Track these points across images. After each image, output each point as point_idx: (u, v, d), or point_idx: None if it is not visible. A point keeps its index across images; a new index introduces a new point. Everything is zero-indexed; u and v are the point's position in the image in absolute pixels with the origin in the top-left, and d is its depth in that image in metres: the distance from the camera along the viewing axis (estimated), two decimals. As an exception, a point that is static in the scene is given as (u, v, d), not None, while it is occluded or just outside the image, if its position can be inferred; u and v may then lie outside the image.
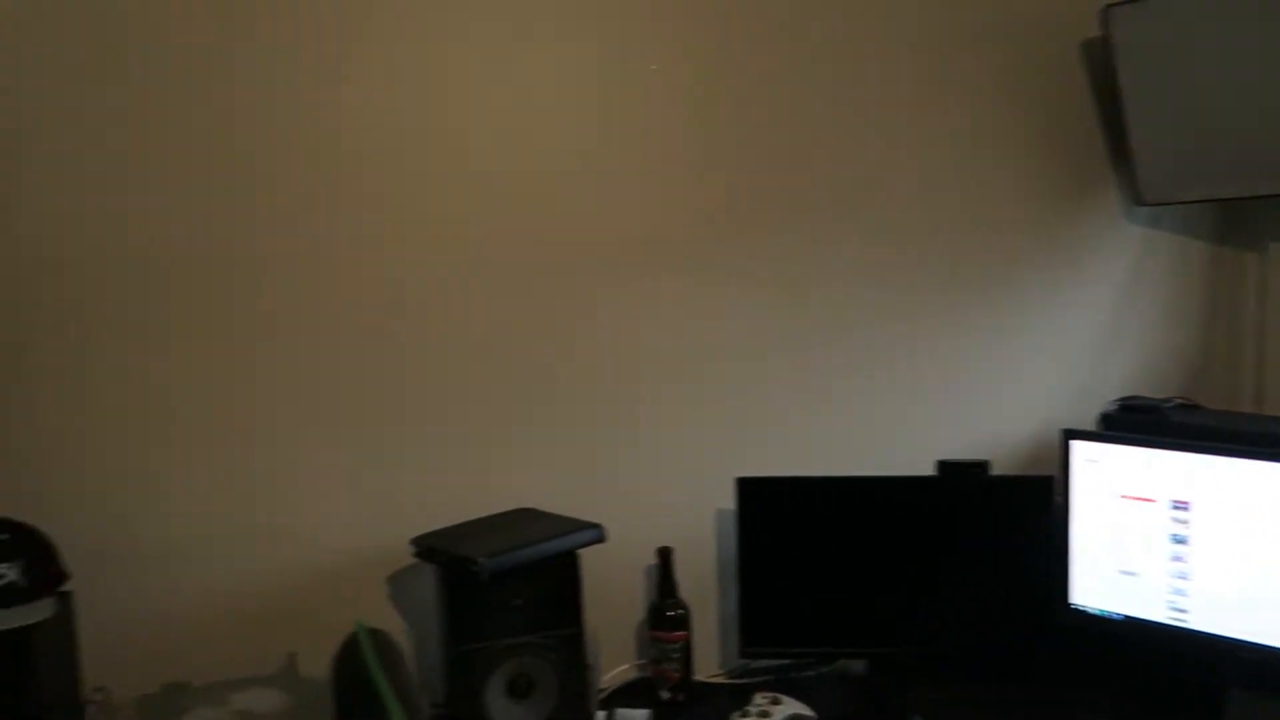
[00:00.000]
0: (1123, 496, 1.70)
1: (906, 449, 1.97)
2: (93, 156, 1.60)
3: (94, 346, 1.62)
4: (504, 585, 1.58)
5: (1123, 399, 2.06)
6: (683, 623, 1.81)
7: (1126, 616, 1.71)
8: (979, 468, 1.81)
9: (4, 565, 1.41)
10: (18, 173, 1.57)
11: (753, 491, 1.80)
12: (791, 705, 1.71)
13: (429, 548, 1.61)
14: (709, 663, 1.94)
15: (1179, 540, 1.65)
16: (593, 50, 1.78)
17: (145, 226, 1.63)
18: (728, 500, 1.91)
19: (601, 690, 1.83)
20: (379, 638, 0.83)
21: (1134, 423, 1.96)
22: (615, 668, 1.89)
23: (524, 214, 1.79)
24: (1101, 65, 2.00)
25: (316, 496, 1.74)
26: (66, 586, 1.53)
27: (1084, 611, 1.76)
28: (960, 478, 1.79)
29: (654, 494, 1.89)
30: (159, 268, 1.64)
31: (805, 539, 1.79)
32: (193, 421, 1.67)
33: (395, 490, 1.77)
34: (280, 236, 1.69)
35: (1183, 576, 1.65)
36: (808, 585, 1.80)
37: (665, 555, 1.82)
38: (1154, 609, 1.68)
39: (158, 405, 1.65)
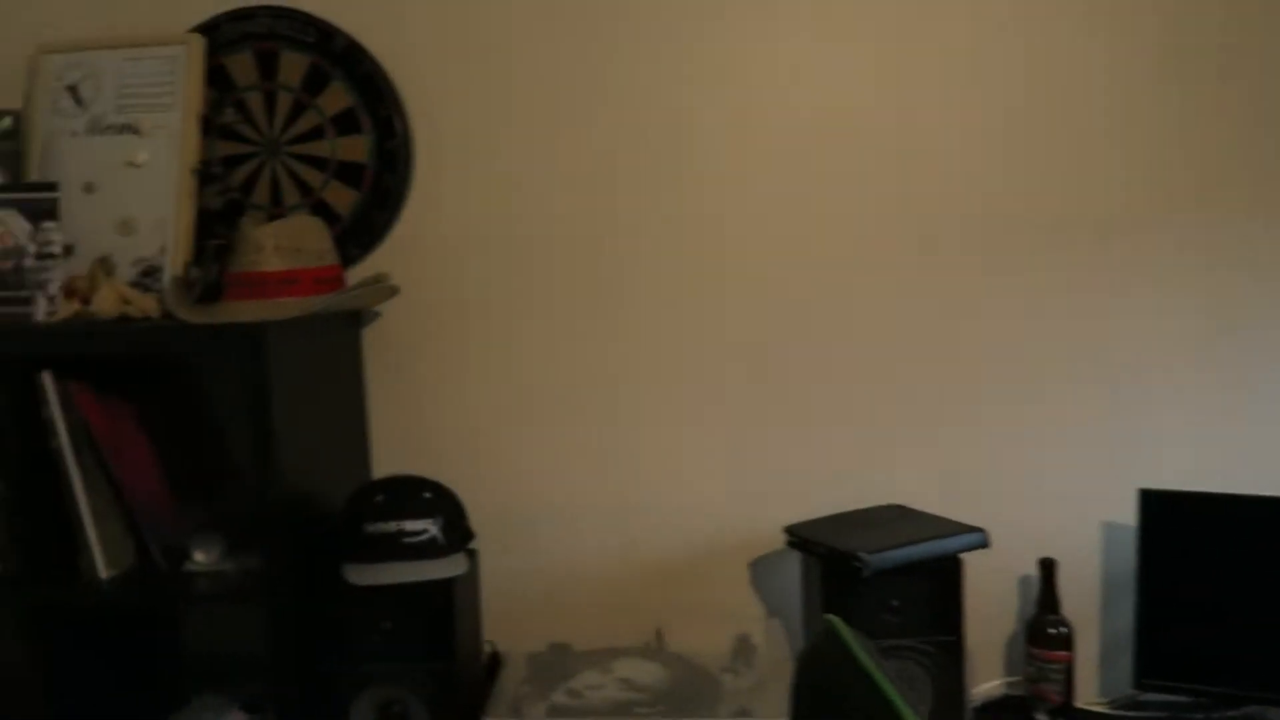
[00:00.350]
0: None
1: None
2: (504, 148, 1.72)
3: (503, 325, 1.75)
4: (883, 584, 1.53)
5: None
6: (1066, 642, 1.66)
7: None
8: None
9: (428, 521, 1.56)
10: (440, 170, 1.73)
11: (1158, 506, 1.61)
12: (1199, 750, 1.53)
13: (804, 538, 1.60)
14: (1087, 688, 1.77)
15: None
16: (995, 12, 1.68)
17: (544, 209, 1.73)
18: (1119, 513, 1.73)
19: (970, 703, 1.73)
20: (856, 634, 0.82)
21: None
22: (983, 681, 1.78)
23: (906, 202, 1.71)
24: None
25: (693, 478, 1.77)
26: (472, 545, 1.68)
27: None
28: None
29: (1033, 500, 1.75)
30: (561, 250, 1.74)
31: (1222, 564, 1.58)
32: (587, 399, 1.76)
33: (766, 476, 1.77)
34: (673, 227, 1.73)
35: None
36: (1221, 617, 1.58)
37: (1048, 568, 1.68)
38: None
39: (556, 382, 1.76)
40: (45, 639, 1.48)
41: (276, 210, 1.71)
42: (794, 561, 1.77)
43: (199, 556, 1.53)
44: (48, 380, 1.44)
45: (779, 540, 1.78)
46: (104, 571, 1.49)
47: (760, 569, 1.80)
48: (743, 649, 1.64)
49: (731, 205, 1.73)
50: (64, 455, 1.47)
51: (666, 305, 1.75)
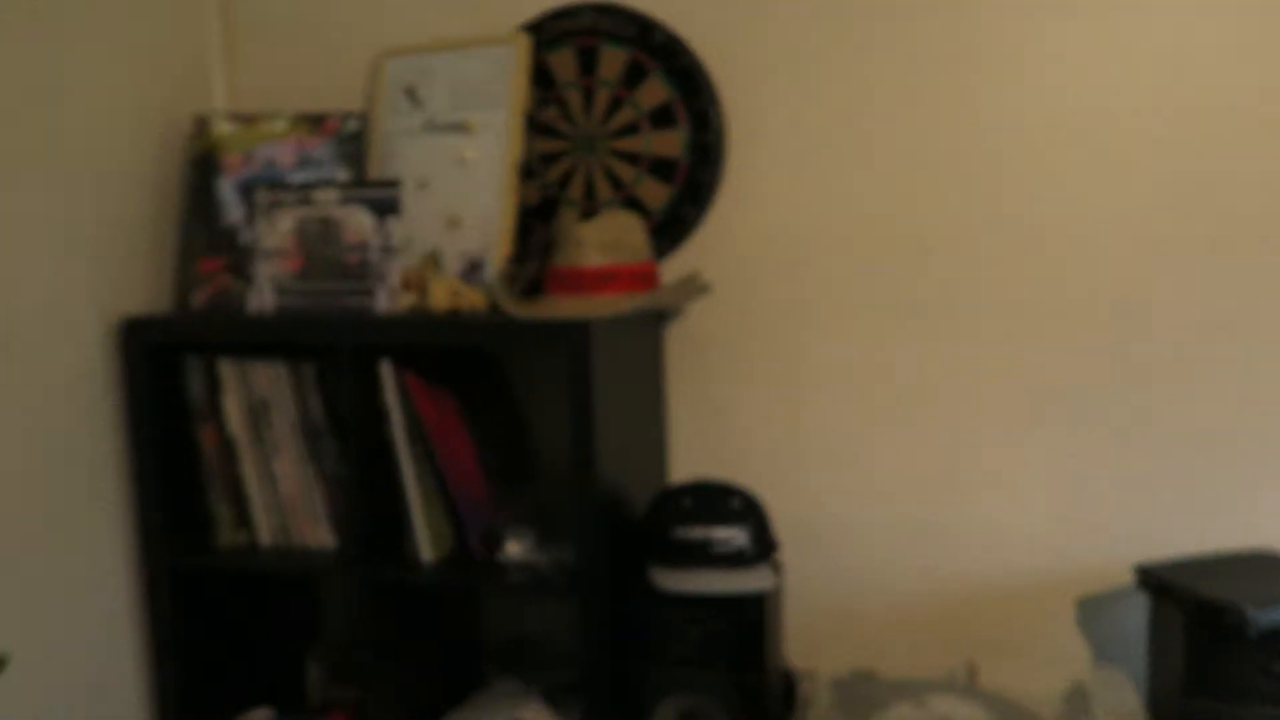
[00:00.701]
0: None
1: None
2: (818, 142, 1.63)
3: (812, 326, 1.67)
4: (1267, 645, 1.30)
5: None
6: None
7: None
8: None
9: (736, 529, 1.50)
10: (752, 165, 1.66)
11: None
12: None
13: (1162, 581, 1.40)
14: None
15: None
16: None
17: (858, 208, 1.63)
18: None
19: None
20: None
21: None
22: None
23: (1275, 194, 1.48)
24: None
25: (1020, 500, 1.61)
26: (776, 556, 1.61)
27: None
28: None
29: None
30: (874, 249, 1.63)
31: None
32: (903, 407, 1.65)
33: (1104, 506, 1.57)
34: (992, 220, 1.58)
35: None
36: None
37: None
38: None
39: (869, 388, 1.65)
40: (380, 617, 1.57)
41: (589, 205, 1.72)
42: (1136, 605, 1.57)
43: (512, 547, 1.56)
44: (387, 369, 1.51)
45: (1117, 578, 1.58)
46: (427, 555, 1.55)
47: (1091, 608, 1.61)
48: (1077, 697, 1.47)
49: (1067, 203, 1.55)
50: (396, 442, 1.54)
51: (993, 307, 1.59)
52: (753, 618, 1.46)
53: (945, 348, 1.62)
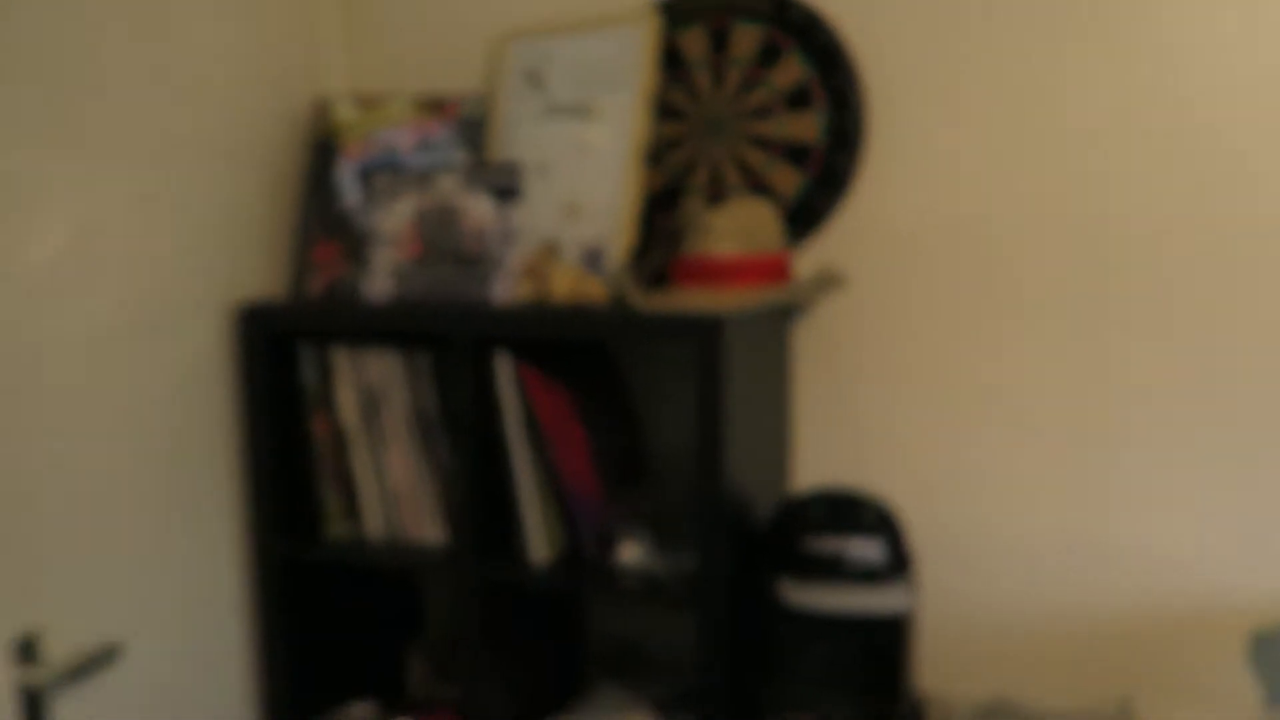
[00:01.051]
0: None
1: None
2: (969, 128, 1.51)
3: (955, 324, 1.55)
4: None
5: None
6: None
7: None
8: None
9: (871, 542, 1.39)
10: (895, 151, 1.55)
11: None
12: None
13: (1363, 622, 1.25)
14: None
15: None
16: None
17: (1012, 200, 1.50)
18: None
19: None
20: None
21: None
22: None
23: None
24: None
25: (1183, 520, 1.47)
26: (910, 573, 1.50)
27: None
28: None
29: None
30: (1027, 245, 1.50)
31: None
32: (1053, 416, 1.52)
33: (1285, 530, 1.44)
34: (1165, 215, 1.44)
35: None
36: None
37: None
38: None
39: (1015, 394, 1.53)
40: (486, 614, 1.52)
41: (714, 192, 1.63)
42: (1323, 643, 1.41)
43: (627, 551, 1.49)
44: (503, 361, 1.45)
45: (1301, 613, 1.43)
46: (539, 555, 1.49)
47: (1267, 644, 1.43)
48: (1253, 746, 1.33)
49: (1250, 195, 1.40)
50: (510, 437, 1.48)
51: (1166, 309, 1.45)
52: (887, 638, 1.36)
53: (1107, 351, 1.48)
